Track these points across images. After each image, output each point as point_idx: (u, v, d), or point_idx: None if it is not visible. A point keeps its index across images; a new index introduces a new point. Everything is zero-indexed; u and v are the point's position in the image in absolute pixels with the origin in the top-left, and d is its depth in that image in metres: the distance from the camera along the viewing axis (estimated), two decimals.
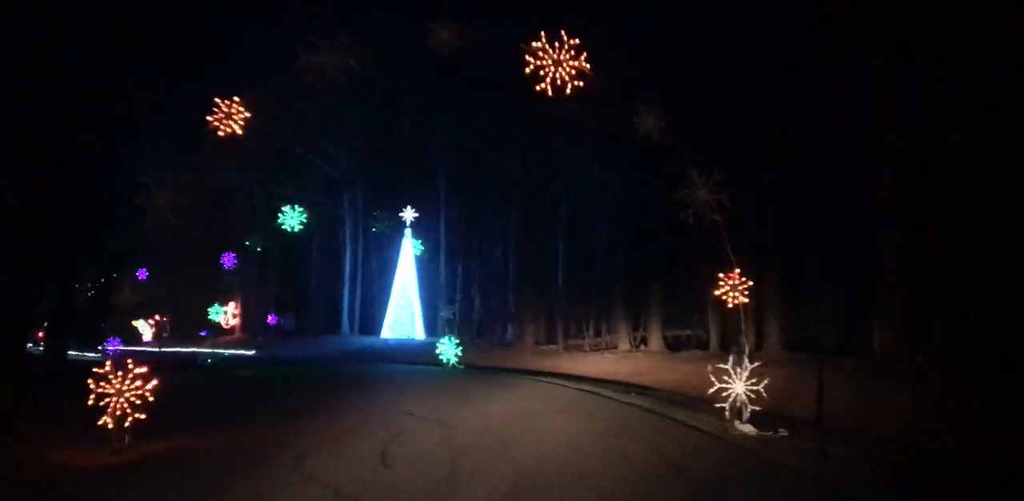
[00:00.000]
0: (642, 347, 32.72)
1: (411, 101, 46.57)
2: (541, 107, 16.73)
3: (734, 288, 14.56)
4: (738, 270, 14.43)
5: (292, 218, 28.15)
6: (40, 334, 40.03)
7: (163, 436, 12.55)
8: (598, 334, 38.10)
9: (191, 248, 56.48)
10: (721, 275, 14.63)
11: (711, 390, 13.74)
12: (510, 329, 42.39)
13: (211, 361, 30.23)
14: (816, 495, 9.74)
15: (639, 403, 17.10)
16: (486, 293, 42.92)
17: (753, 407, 13.60)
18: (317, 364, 32.12)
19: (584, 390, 19.34)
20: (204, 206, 52.01)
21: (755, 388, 13.54)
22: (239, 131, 13.82)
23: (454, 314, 33.21)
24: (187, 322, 62.72)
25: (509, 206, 43.67)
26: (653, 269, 33.33)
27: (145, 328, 66.53)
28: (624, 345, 33.31)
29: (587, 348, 35.29)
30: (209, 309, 57.76)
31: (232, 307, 57.05)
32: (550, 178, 40.95)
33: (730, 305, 14.57)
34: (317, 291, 53.12)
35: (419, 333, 45.37)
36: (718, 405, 13.86)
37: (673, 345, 32.19)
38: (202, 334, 59.93)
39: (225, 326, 57.49)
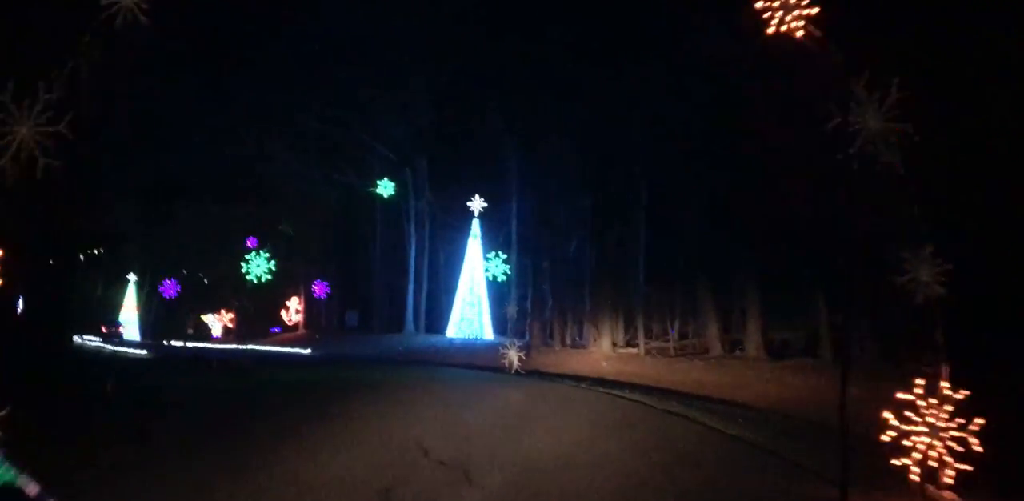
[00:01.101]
0: (737, 352, 27.81)
1: (480, 79, 42.65)
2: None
3: (927, 272, 9.08)
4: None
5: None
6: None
7: None
8: (684, 336, 33.47)
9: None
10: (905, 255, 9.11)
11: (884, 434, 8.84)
12: (585, 329, 37.95)
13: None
14: None
15: (752, 439, 12.36)
16: (559, 289, 38.44)
17: (961, 466, 8.65)
18: (364, 366, 28.14)
19: (674, 414, 14.67)
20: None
21: (960, 434, 8.64)
22: None
23: (518, 312, 28.64)
24: (252, 318, 60.06)
25: (584, 193, 39.32)
26: (751, 252, 28.30)
27: (215, 324, 64.06)
28: (715, 349, 28.57)
29: (672, 352, 30.63)
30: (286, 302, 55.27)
31: (296, 302, 53.81)
32: (630, 160, 36.46)
33: (920, 299, 9.09)
34: (381, 286, 49.37)
35: (487, 332, 41.16)
36: (900, 462, 8.91)
37: (776, 350, 27.20)
38: (274, 330, 57.16)
39: (288, 322, 54.37)
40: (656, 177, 36.83)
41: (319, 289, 45.68)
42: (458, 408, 14.69)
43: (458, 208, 43.60)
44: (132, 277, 73.36)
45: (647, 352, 30.51)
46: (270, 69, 44.49)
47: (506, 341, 25.45)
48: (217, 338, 61.52)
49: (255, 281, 23.06)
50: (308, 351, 40.81)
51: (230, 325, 62.59)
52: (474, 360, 32.19)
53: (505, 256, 38.01)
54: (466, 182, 44.17)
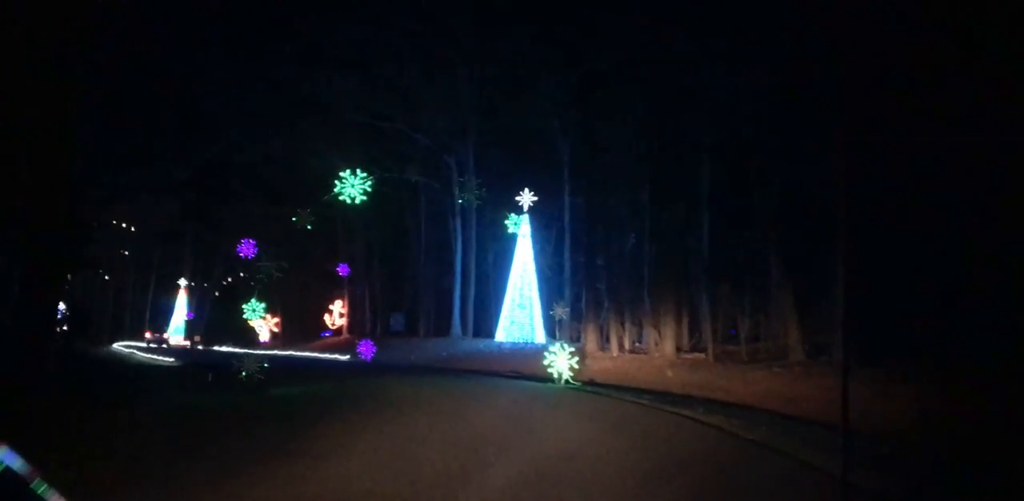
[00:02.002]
0: (822, 357, 23.80)
1: (528, 67, 39.36)
2: None
3: None
4: None
5: (353, 186, 20.63)
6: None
7: None
8: (756, 338, 29.55)
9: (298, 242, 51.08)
10: None
11: None
12: (645, 333, 34.22)
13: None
14: None
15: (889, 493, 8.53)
16: (615, 289, 34.73)
17: None
18: (392, 377, 24.80)
19: (769, 449, 10.79)
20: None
21: None
22: None
23: (571, 314, 24.86)
24: (296, 322, 57.54)
25: (641, 184, 35.70)
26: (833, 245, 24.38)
27: (262, 328, 61.63)
28: (795, 354, 24.53)
29: (744, 357, 26.67)
30: (329, 307, 52.47)
31: (339, 306, 50.91)
32: (690, 147, 32.81)
33: None
34: (427, 287, 46.15)
35: (539, 336, 37.66)
36: None
37: (868, 355, 23.06)
38: (324, 335, 54.43)
39: (332, 326, 51.50)
40: (720, 165, 33.29)
41: (342, 269, 42.24)
42: (480, 445, 11.08)
43: (507, 203, 40.19)
44: (183, 282, 71.59)
45: (716, 358, 26.61)
46: (311, 62, 41.83)
47: (554, 345, 21.78)
48: (265, 343, 59.14)
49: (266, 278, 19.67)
50: (347, 357, 37.76)
51: (275, 330, 60.22)
52: (522, 367, 28.72)
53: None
54: (515, 176, 40.78)
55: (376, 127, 43.20)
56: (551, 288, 40.06)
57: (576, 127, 38.82)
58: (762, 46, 28.67)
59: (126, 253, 70.24)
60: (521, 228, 39.15)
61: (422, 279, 46.20)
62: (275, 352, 45.57)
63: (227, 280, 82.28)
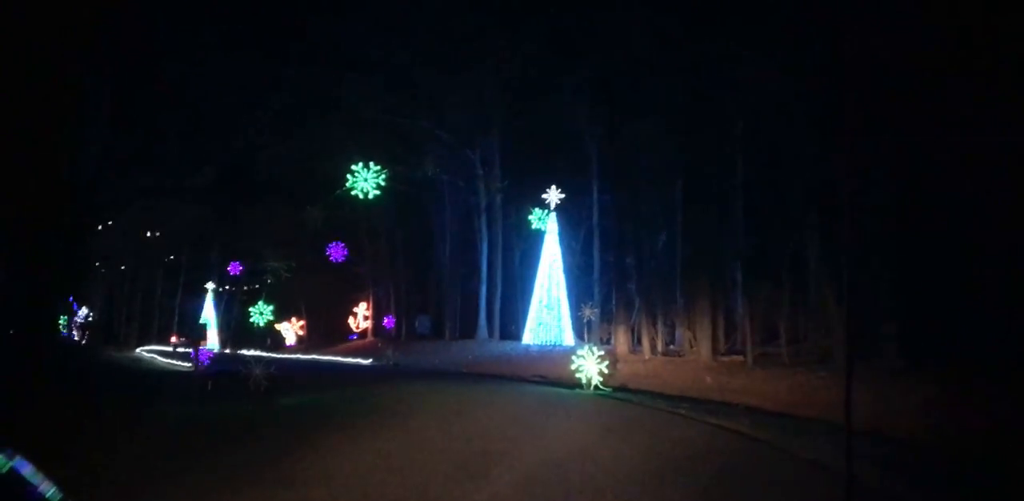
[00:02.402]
0: (872, 359, 21.86)
1: (554, 59, 37.79)
2: None
3: None
4: None
5: (366, 180, 19.03)
6: None
7: None
8: (795, 338, 27.64)
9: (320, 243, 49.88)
10: None
11: None
12: (678, 334, 32.49)
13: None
14: None
15: None
16: (646, 288, 32.99)
17: None
18: (412, 382, 23.26)
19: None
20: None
21: None
22: None
23: (601, 314, 23.04)
24: (323, 325, 56.31)
25: (673, 180, 34.07)
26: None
27: (288, 332, 60.55)
28: (841, 356, 22.51)
29: (786, 360, 24.81)
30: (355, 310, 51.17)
31: (364, 308, 49.53)
32: (724, 140, 31.11)
33: None
34: (453, 289, 44.61)
35: (567, 338, 35.98)
36: None
37: (920, 355, 21.19)
38: (352, 338, 53.13)
39: (356, 329, 50.14)
40: (755, 159, 31.56)
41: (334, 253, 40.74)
42: (496, 468, 9.46)
43: (533, 201, 38.65)
44: (210, 285, 70.70)
45: (755, 361, 24.79)
46: (330, 61, 40.60)
47: (583, 348, 20.15)
48: (291, 346, 58.04)
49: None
50: (369, 361, 36.34)
51: (301, 333, 59.09)
52: (549, 371, 27.12)
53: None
54: (541, 173, 39.26)
55: (399, 125, 41.84)
56: (579, 288, 38.41)
57: (604, 122, 37.16)
58: (796, 35, 27.06)
59: (153, 258, 69.59)
60: (548, 226, 37.58)
61: (447, 280, 44.72)
62: (297, 356, 44.34)
63: (255, 285, 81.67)
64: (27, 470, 2.30)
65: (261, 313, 19.59)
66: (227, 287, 79.72)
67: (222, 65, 37.13)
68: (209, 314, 71.42)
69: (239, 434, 13.34)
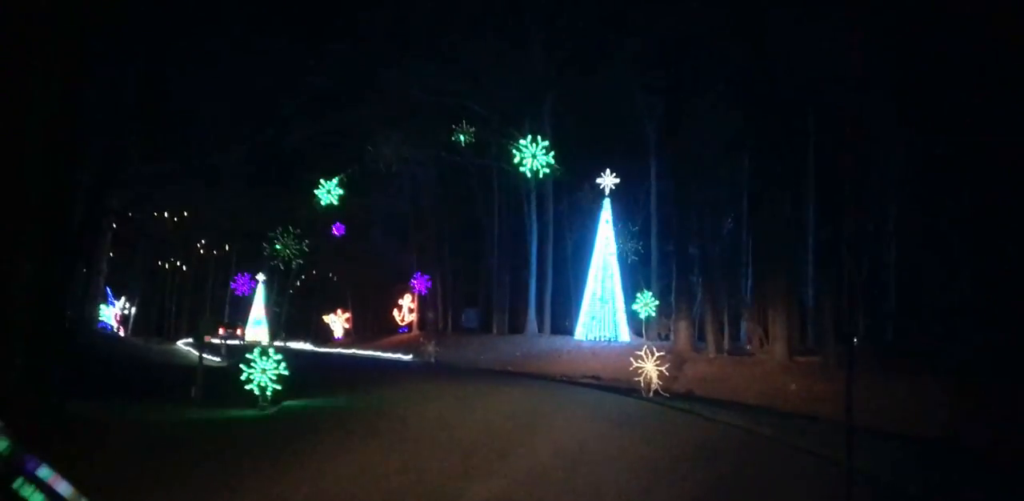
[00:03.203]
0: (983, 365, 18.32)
1: (607, 31, 34.60)
2: None
3: None
4: None
5: (327, 193, 16.25)
6: None
7: None
8: (873, 336, 24.30)
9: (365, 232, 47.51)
10: None
11: None
12: (743, 330, 29.24)
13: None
14: None
15: None
16: (711, 281, 29.70)
17: None
18: (450, 382, 20.41)
19: None
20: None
21: None
22: None
23: (660, 309, 19.68)
24: (370, 318, 53.94)
25: (739, 161, 30.83)
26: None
27: (336, 324, 58.33)
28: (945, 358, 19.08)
29: (873, 362, 21.24)
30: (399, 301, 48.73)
31: (409, 301, 46.90)
32: (796, 116, 27.65)
33: None
34: (502, 280, 41.69)
35: (622, 333, 32.81)
36: None
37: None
38: (402, 331, 50.65)
39: (401, 323, 47.56)
40: (828, 138, 28.10)
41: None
42: None
43: (586, 187, 35.57)
44: (261, 277, 68.92)
45: (837, 362, 21.34)
46: (371, 34, 37.90)
47: (642, 345, 17.08)
48: (339, 340, 55.82)
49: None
50: (409, 357, 33.66)
51: (347, 326, 56.85)
52: (603, 371, 24.10)
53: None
54: (594, 157, 36.08)
55: (443, 107, 38.98)
56: (636, 280, 35.24)
57: (663, 102, 33.87)
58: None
59: (202, 248, 68.04)
60: (602, 214, 34.47)
61: (496, 271, 41.82)
62: (339, 351, 42.07)
63: (303, 276, 79.88)
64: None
65: (329, 191, 16.74)
66: (278, 278, 78.30)
67: (255, 44, 34.66)
68: (259, 305, 69.88)
69: (218, 449, 10.62)
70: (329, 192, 16.02)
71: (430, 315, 43.51)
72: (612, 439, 11.22)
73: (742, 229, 33.05)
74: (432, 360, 31.75)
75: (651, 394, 16.48)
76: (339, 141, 38.50)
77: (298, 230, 16.23)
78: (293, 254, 15.55)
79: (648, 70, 33.92)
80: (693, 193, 31.27)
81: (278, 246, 15.49)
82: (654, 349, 16.85)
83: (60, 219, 21.19)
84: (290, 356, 16.18)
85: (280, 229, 16.03)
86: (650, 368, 16.38)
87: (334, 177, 16.13)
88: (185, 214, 49.82)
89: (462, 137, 17.73)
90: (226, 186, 42.76)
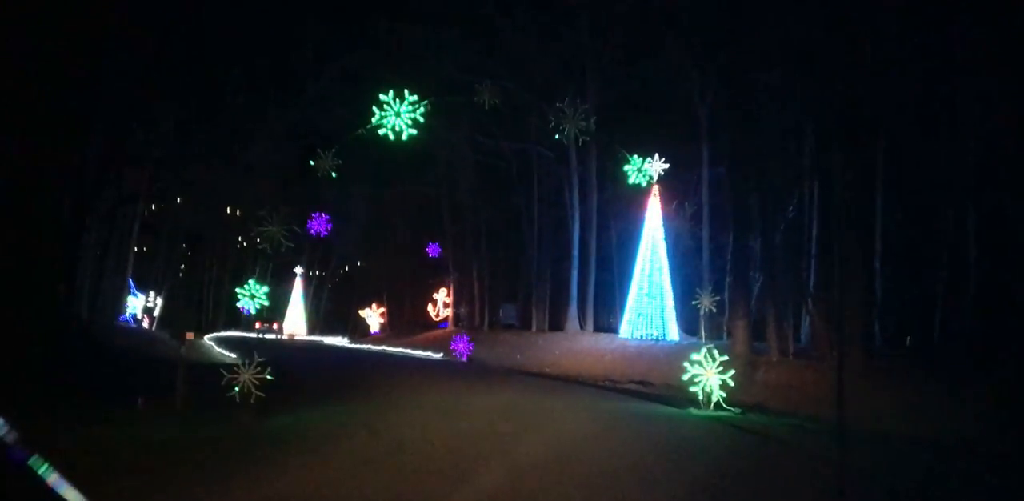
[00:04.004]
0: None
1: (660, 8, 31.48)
2: None
3: None
4: None
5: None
6: None
7: None
8: (953, 335, 20.96)
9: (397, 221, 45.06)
10: None
11: None
12: (805, 329, 26.01)
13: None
14: None
15: None
16: (771, 274, 26.43)
17: None
18: (473, 384, 17.59)
19: None
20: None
21: None
22: None
23: (715, 305, 16.54)
24: (406, 313, 51.41)
25: (801, 141, 27.66)
26: None
27: (372, 319, 55.97)
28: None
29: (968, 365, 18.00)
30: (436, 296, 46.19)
31: (444, 295, 44.20)
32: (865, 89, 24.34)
33: None
34: (541, 275, 38.79)
35: (671, 332, 29.77)
36: None
37: None
38: (443, 326, 48.08)
39: (436, 318, 44.89)
40: (904, 116, 25.00)
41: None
42: None
43: (632, 174, 32.36)
44: (298, 270, 66.84)
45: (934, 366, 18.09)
46: (402, 9, 35.41)
47: (693, 345, 14.11)
48: (375, 334, 53.47)
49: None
50: (440, 355, 30.98)
51: (382, 320, 54.48)
52: (651, 374, 21.15)
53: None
54: (641, 140, 32.90)
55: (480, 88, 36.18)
56: (687, 274, 32.17)
57: (716, 82, 30.72)
58: None
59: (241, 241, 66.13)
60: (650, 203, 31.39)
61: (536, 264, 38.91)
62: (369, 347, 39.57)
63: (344, 267, 77.68)
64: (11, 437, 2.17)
65: (252, 296, 13.92)
66: (316, 271, 76.23)
67: (279, 20, 32.38)
68: (297, 299, 67.84)
69: (160, 479, 7.93)
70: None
71: (462, 310, 40.71)
72: (660, 485, 8.24)
73: (805, 219, 29.72)
74: (463, 359, 29.00)
75: (711, 407, 13.48)
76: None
77: (288, 209, 13.48)
78: (283, 237, 12.87)
79: (702, 48, 30.78)
80: (749, 183, 28.06)
81: (264, 231, 12.83)
82: (715, 352, 13.80)
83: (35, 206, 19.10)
84: (311, 352, 13.55)
85: (268, 208, 13.30)
86: (711, 377, 13.36)
87: (332, 147, 13.37)
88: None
89: (486, 97, 14.73)
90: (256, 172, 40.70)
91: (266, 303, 13.78)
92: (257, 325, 60.76)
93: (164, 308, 43.25)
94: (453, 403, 14.76)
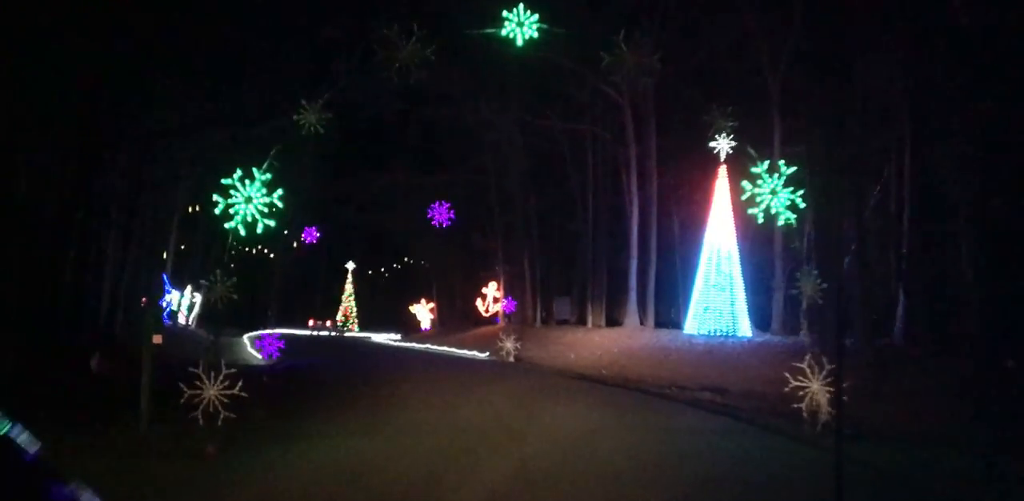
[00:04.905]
0: None
1: None
2: None
3: None
4: None
5: (311, 116, 10.18)
6: None
7: None
8: None
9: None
10: None
11: None
12: (898, 326, 22.31)
13: None
14: None
15: None
16: (866, 262, 22.84)
17: None
18: (515, 391, 14.47)
19: None
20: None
21: None
22: None
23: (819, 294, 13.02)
24: (457, 307, 48.57)
25: (893, 115, 24.08)
26: None
27: (424, 315, 53.30)
28: None
29: None
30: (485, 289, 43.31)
31: (494, 289, 41.14)
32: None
33: None
34: (597, 266, 35.49)
35: (742, 327, 26.34)
36: None
37: None
38: (497, 322, 45.17)
39: (486, 313, 41.87)
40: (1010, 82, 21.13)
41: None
42: None
43: (697, 152, 28.98)
44: (351, 265, 64.61)
45: None
46: None
47: (767, 341, 10.84)
48: (425, 331, 50.79)
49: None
50: (485, 355, 27.96)
51: (431, 316, 51.76)
52: (725, 379, 17.76)
53: None
54: (707, 115, 29.43)
55: (529, 63, 33.10)
56: (759, 263, 28.68)
57: (791, 49, 27.16)
58: None
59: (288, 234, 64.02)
60: (717, 185, 27.97)
61: (592, 255, 35.59)
62: (412, 345, 36.85)
63: (397, 264, 75.37)
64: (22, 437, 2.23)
65: (213, 283, 10.84)
66: (370, 268, 73.97)
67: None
68: (350, 295, 65.63)
69: None
70: (313, 114, 10.32)
71: (504, 305, 37.60)
72: None
73: (892, 199, 25.89)
74: (511, 359, 25.90)
75: (817, 428, 10.14)
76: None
77: (267, 176, 10.48)
78: (320, 125, 10.12)
79: (775, 9, 27.24)
80: (829, 160, 24.37)
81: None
82: (823, 358, 10.43)
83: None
84: (345, 351, 10.68)
85: (241, 174, 10.33)
86: (818, 392, 10.00)
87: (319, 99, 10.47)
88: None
89: (518, 30, 11.60)
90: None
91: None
92: (310, 322, 58.72)
93: (204, 305, 40.99)
94: (491, 427, 11.65)
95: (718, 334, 26.73)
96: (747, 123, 28.48)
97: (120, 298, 27.55)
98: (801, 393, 10.42)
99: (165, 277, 35.80)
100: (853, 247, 23.39)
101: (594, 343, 28.86)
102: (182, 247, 41.78)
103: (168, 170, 30.38)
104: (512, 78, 33.85)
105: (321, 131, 10.70)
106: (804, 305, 11.20)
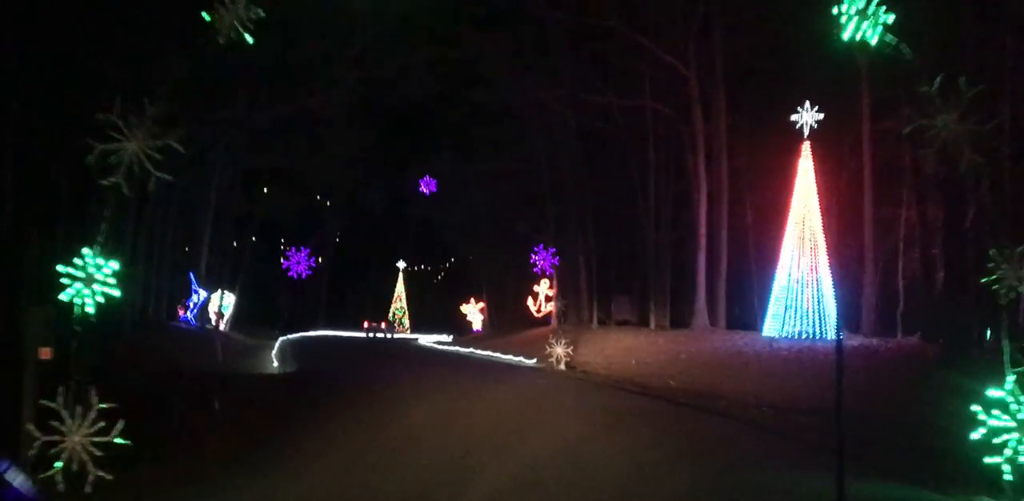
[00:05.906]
0: None
1: None
2: None
3: None
4: None
5: (230, 16, 6.77)
6: None
7: None
8: None
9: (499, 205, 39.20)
10: None
11: None
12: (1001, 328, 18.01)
13: None
14: None
15: None
16: (972, 255, 18.77)
17: None
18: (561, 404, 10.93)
19: None
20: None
21: None
22: None
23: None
24: (509, 308, 45.30)
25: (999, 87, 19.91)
26: None
27: (475, 315, 50.23)
28: None
29: None
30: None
31: (546, 287, 37.64)
32: None
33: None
34: (660, 261, 31.77)
35: (831, 329, 22.33)
36: None
37: None
38: (550, 322, 41.84)
39: (538, 313, 38.44)
40: None
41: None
42: None
43: (775, 129, 25.18)
44: (401, 264, 61.88)
45: None
46: None
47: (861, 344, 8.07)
48: (477, 332, 47.77)
49: None
50: (533, 361, 24.46)
51: (482, 317, 48.70)
52: (823, 396, 13.82)
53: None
54: (785, 86, 25.68)
55: (587, 35, 29.74)
56: (848, 256, 24.79)
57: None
58: None
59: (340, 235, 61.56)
60: (800, 165, 24.13)
61: (654, 249, 31.86)
62: (456, 349, 33.63)
63: (445, 262, 72.75)
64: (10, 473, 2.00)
65: (95, 265, 7.29)
66: (421, 267, 71.30)
67: None
68: (400, 295, 63.02)
69: None
70: (232, 15, 6.98)
71: (560, 304, 34.00)
72: None
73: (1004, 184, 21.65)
74: (561, 367, 22.37)
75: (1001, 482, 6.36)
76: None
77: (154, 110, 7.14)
78: (241, 27, 6.84)
79: None
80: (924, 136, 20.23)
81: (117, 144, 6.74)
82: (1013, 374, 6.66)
83: None
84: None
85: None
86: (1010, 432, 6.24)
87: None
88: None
89: None
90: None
91: (115, 292, 7.31)
92: (365, 324, 56.09)
93: (237, 306, 38.32)
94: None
95: (802, 336, 22.99)
96: (832, 97, 24.91)
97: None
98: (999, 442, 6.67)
99: (192, 275, 33.11)
100: None
101: (658, 347, 25.22)
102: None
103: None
104: (560, 53, 30.74)
105: (249, 40, 7.34)
106: (1002, 301, 7.41)
